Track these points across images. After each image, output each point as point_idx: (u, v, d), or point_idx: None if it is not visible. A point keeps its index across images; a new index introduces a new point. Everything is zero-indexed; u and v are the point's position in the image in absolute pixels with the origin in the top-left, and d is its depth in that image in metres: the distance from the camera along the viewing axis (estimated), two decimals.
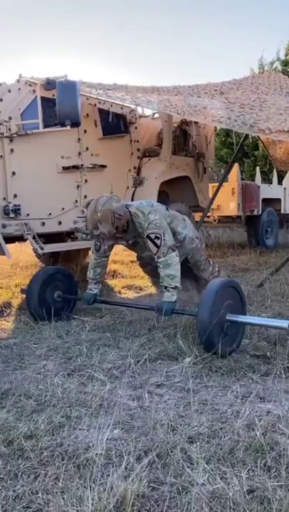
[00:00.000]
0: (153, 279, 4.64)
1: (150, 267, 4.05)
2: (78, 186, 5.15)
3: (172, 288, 3.44)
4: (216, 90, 5.94)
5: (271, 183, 10.40)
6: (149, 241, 3.52)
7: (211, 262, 4.26)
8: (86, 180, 5.21)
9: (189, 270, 4.06)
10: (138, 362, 2.94)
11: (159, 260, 3.50)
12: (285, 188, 10.45)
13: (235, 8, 36.42)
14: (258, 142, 11.19)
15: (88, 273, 4.00)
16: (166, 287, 3.46)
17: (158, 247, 3.49)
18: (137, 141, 6.01)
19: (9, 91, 4.61)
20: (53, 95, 4.48)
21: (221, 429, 2.07)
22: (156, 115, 6.81)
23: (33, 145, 4.63)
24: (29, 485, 1.69)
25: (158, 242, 3.48)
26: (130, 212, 3.56)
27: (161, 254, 3.48)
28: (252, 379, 2.67)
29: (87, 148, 5.21)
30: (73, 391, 2.52)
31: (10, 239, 4.64)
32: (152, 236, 3.50)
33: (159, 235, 3.49)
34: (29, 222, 4.58)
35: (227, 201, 8.86)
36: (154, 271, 4.06)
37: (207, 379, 2.67)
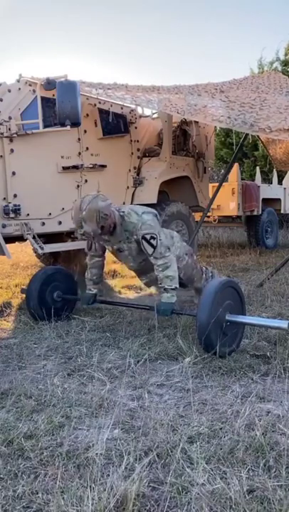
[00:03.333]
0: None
1: (145, 279, 3.96)
2: (78, 186, 5.15)
3: (172, 289, 3.44)
4: (216, 89, 5.94)
5: (271, 183, 10.40)
6: (144, 242, 3.43)
7: (204, 269, 4.11)
8: (86, 181, 5.21)
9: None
10: (138, 362, 2.95)
11: (158, 263, 3.44)
12: (285, 188, 10.46)
13: (236, 8, 36.42)
14: (257, 142, 11.20)
15: (86, 274, 4.00)
16: (165, 289, 3.46)
17: (154, 247, 3.41)
18: (137, 141, 6.01)
19: (9, 91, 4.61)
20: (53, 95, 4.48)
21: (221, 429, 2.07)
22: (156, 115, 6.81)
23: (33, 145, 4.63)
24: (29, 485, 1.69)
25: (154, 242, 3.41)
26: (123, 212, 3.48)
27: (158, 255, 3.43)
28: (252, 379, 2.67)
29: (87, 148, 5.21)
30: (73, 391, 2.52)
31: (10, 239, 4.64)
32: (148, 236, 3.42)
33: (154, 235, 3.42)
34: (29, 222, 4.58)
35: (227, 201, 8.86)
36: (149, 283, 4.02)
37: (207, 379, 2.67)
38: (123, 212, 3.49)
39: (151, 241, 3.42)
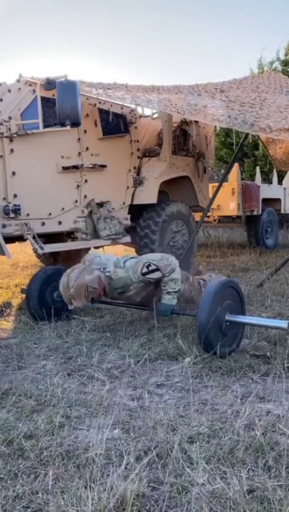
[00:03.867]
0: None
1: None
2: (78, 186, 5.14)
3: (174, 292, 3.47)
4: (216, 89, 5.93)
5: (271, 183, 10.40)
6: (149, 275, 3.42)
7: (202, 283, 4.03)
8: (86, 181, 5.21)
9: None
10: (138, 362, 2.95)
11: (166, 271, 3.43)
12: (285, 188, 10.46)
13: (236, 8, 36.42)
14: (257, 142, 11.19)
15: None
16: (168, 292, 3.47)
17: (158, 269, 3.42)
18: (137, 141, 6.01)
19: (9, 91, 4.61)
20: (53, 95, 4.47)
21: (221, 429, 2.07)
22: (156, 115, 6.81)
23: (33, 145, 4.62)
24: (29, 485, 1.69)
25: (154, 266, 3.42)
26: (109, 272, 3.45)
27: (164, 268, 3.42)
28: (252, 379, 2.67)
29: (87, 148, 5.21)
30: (73, 391, 2.52)
31: (10, 239, 4.63)
32: (145, 270, 3.41)
33: (147, 263, 3.42)
34: (29, 222, 4.57)
35: (227, 201, 8.86)
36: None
37: (207, 379, 2.67)
38: (109, 272, 3.46)
39: (151, 267, 3.42)
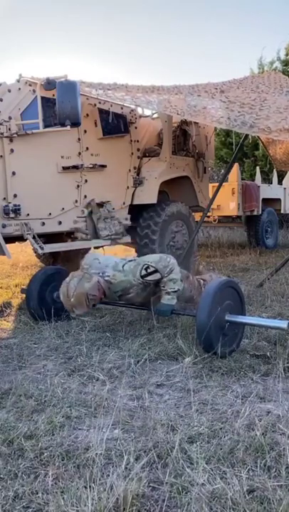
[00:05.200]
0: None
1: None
2: (78, 186, 5.14)
3: (174, 292, 3.47)
4: (216, 89, 5.93)
5: (271, 183, 10.40)
6: (148, 277, 3.42)
7: (202, 283, 4.04)
8: (86, 180, 5.21)
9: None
10: (138, 362, 2.95)
11: (165, 272, 3.44)
12: (285, 188, 10.46)
13: (236, 8, 36.43)
14: (258, 142, 11.19)
15: None
16: (167, 292, 3.47)
17: (156, 270, 3.43)
18: (137, 141, 6.01)
19: (9, 91, 4.61)
20: (53, 95, 4.47)
21: (221, 429, 2.07)
22: (156, 115, 6.81)
23: (33, 145, 4.62)
24: (29, 485, 1.69)
25: (152, 268, 3.42)
26: (108, 276, 3.45)
27: (163, 269, 3.43)
28: (252, 379, 2.67)
29: (87, 148, 5.21)
30: (73, 391, 2.52)
31: (10, 239, 4.63)
32: (144, 272, 3.42)
33: (146, 265, 3.43)
34: (29, 222, 4.57)
35: (227, 201, 8.86)
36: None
37: (207, 379, 2.67)
38: (108, 276, 3.47)
39: (149, 270, 3.43)
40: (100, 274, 3.46)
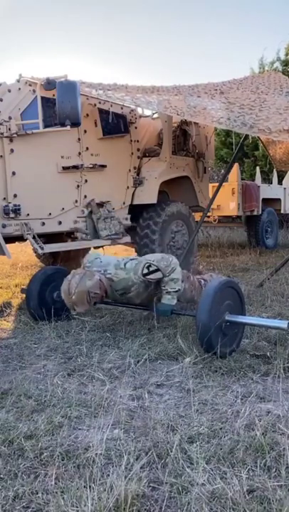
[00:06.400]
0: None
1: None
2: (78, 186, 5.14)
3: (174, 292, 3.47)
4: (216, 90, 5.93)
5: (271, 183, 10.40)
6: (150, 275, 3.42)
7: (202, 283, 4.03)
8: (86, 180, 5.21)
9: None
10: (138, 362, 2.95)
11: (167, 271, 3.44)
12: (285, 188, 10.46)
13: (236, 8, 36.43)
14: (257, 142, 11.19)
15: None
16: (168, 291, 3.47)
17: (158, 269, 3.42)
18: (137, 141, 6.01)
19: (9, 91, 4.61)
20: (53, 95, 4.47)
21: (221, 429, 2.07)
22: (156, 115, 6.81)
23: (33, 145, 4.62)
24: (29, 485, 1.69)
25: (154, 267, 3.42)
26: (110, 273, 3.47)
27: (165, 268, 3.43)
28: (252, 379, 2.67)
29: (87, 148, 5.21)
30: (73, 391, 2.52)
31: (10, 239, 4.64)
32: (146, 271, 3.42)
33: (148, 264, 3.43)
34: (29, 222, 4.58)
35: (227, 201, 8.86)
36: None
37: (207, 379, 2.67)
38: (110, 274, 3.48)
39: (151, 268, 3.42)
40: (102, 272, 3.47)
